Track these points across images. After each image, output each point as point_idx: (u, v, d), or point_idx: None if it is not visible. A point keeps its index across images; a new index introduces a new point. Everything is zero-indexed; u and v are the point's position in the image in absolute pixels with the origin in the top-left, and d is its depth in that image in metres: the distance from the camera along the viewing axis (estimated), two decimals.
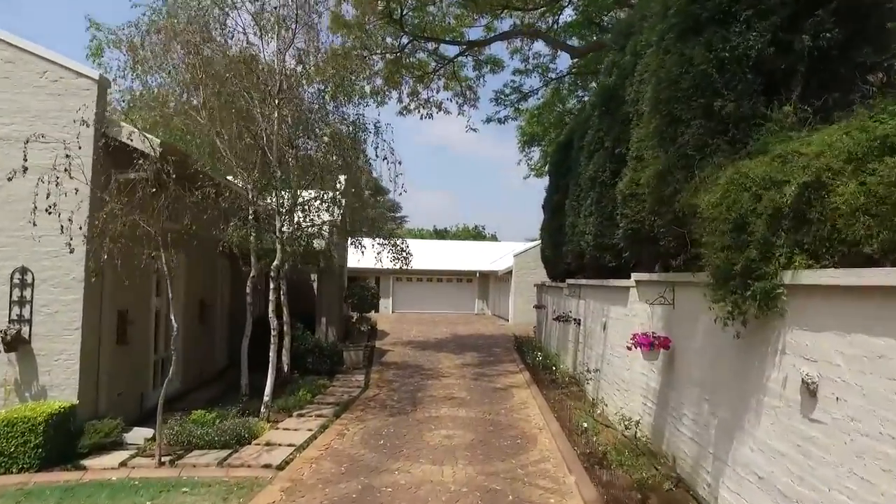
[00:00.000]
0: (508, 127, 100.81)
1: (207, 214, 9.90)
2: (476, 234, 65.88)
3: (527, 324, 30.18)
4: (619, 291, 9.69)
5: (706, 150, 5.87)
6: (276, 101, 10.01)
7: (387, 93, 20.44)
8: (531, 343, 19.54)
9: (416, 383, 13.84)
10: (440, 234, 63.98)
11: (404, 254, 15.16)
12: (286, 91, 10.36)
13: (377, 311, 35.86)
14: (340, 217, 16.13)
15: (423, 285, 37.11)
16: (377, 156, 12.24)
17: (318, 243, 15.36)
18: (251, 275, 10.92)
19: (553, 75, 22.15)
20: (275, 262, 10.14)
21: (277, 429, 9.46)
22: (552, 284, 17.71)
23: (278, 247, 10.14)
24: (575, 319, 13.52)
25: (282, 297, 12.94)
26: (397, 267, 15.44)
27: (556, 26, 19.97)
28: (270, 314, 10.29)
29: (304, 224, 13.56)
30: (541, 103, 23.74)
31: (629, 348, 7.43)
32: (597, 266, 11.57)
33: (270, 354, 10.14)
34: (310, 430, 9.35)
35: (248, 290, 10.97)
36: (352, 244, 17.48)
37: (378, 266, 31.93)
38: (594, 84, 20.32)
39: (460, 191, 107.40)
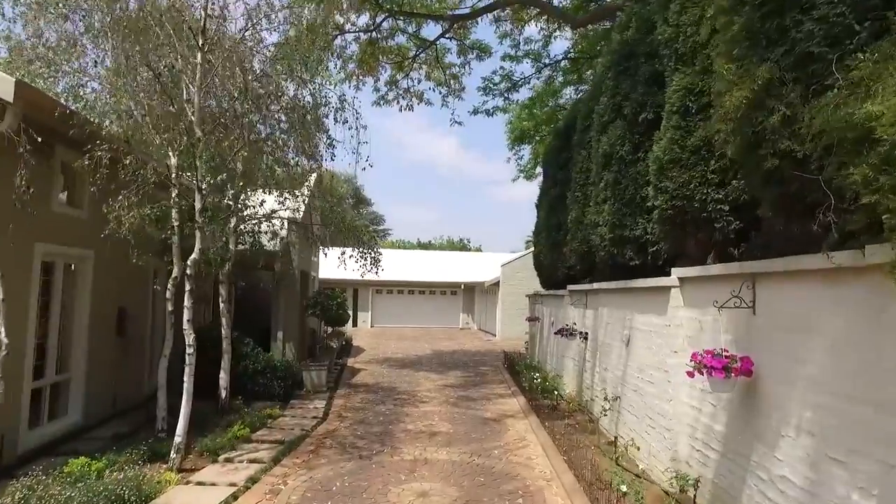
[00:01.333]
0: (494, 144, 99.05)
1: (129, 199, 7.39)
2: (461, 248, 63.45)
3: (516, 339, 27.66)
4: (650, 294, 7.26)
5: (848, 44, 3.48)
6: (199, 42, 7.50)
7: (361, 78, 18.03)
8: (523, 361, 17.03)
9: (389, 411, 11.26)
10: (424, 247, 61.40)
11: (372, 257, 12.61)
12: (214, 35, 7.86)
13: (354, 325, 33.22)
14: (302, 214, 13.63)
15: (404, 298, 34.52)
16: (336, 119, 9.76)
17: (273, 243, 12.84)
18: (172, 275, 8.31)
19: (547, 62, 19.88)
20: (192, 256, 7.54)
21: (188, 482, 6.82)
22: (549, 293, 15.27)
23: (197, 234, 7.56)
24: (581, 333, 11.07)
25: (222, 307, 10.39)
26: (364, 276, 12.95)
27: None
28: (185, 326, 7.66)
29: (248, 215, 11.06)
30: (533, 94, 21.46)
31: (690, 374, 4.95)
32: (612, 265, 9.15)
33: (185, 379, 7.52)
34: (232, 484, 6.73)
35: (168, 294, 8.35)
36: (322, 250, 15.04)
37: (356, 277, 29.35)
38: (593, 70, 18.10)
39: (444, 207, 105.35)
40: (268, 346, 13.34)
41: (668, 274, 6.85)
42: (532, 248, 33.41)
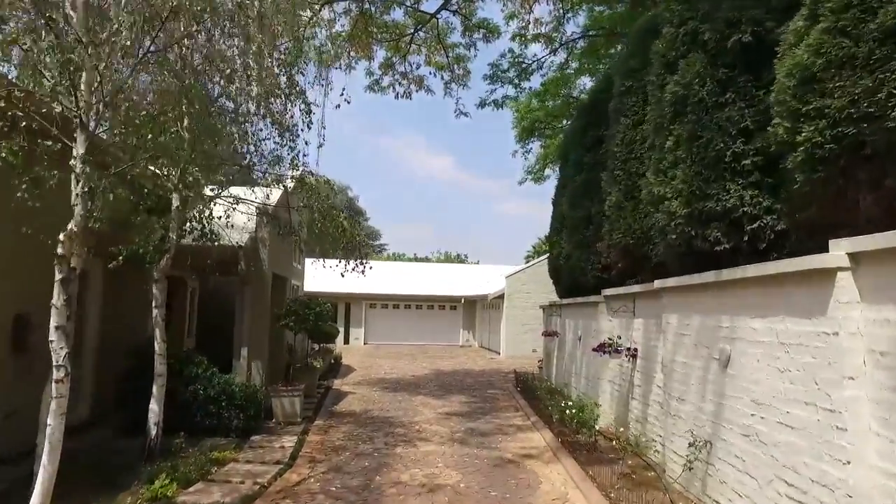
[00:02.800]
0: (489, 163, 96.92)
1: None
2: (459, 262, 60.82)
3: (522, 357, 24.93)
4: (787, 286, 4.59)
5: None
6: None
7: (352, 56, 15.54)
8: (538, 383, 14.35)
9: (377, 452, 8.55)
10: (421, 262, 58.72)
11: (359, 255, 10.06)
12: None
13: (346, 341, 30.46)
14: (277, 206, 11.05)
15: (400, 313, 31.79)
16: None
17: (236, 236, 10.22)
18: (69, 265, 5.62)
19: (561, 42, 17.43)
20: (69, 226, 4.85)
21: None
22: (571, 302, 12.62)
23: (76, 191, 4.87)
24: (628, 350, 8.43)
25: (155, 314, 7.78)
26: (345, 274, 10.36)
27: None
28: (52, 336, 4.96)
29: (202, 197, 8.50)
30: (546, 80, 18.99)
31: None
32: (684, 254, 6.56)
33: (49, 418, 4.79)
34: None
35: (57, 300, 5.63)
36: (304, 256, 12.40)
37: (348, 290, 26.53)
38: (619, 47, 15.65)
39: (440, 226, 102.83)
40: (229, 364, 10.66)
41: (779, 256, 4.28)
42: (539, 259, 30.81)
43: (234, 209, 9.25)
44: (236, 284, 11.00)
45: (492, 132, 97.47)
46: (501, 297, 26.07)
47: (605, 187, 9.71)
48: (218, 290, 14.76)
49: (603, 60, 18.36)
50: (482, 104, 17.70)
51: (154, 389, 7.57)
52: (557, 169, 18.09)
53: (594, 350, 8.99)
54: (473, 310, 31.99)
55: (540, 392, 12.29)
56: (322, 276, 31.93)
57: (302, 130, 9.44)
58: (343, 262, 10.61)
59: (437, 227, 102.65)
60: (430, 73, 17.70)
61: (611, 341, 8.70)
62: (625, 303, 8.79)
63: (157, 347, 7.69)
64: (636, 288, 8.43)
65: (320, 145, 10.26)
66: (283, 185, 10.45)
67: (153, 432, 7.44)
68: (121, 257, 7.37)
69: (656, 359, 7.60)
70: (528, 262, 33.77)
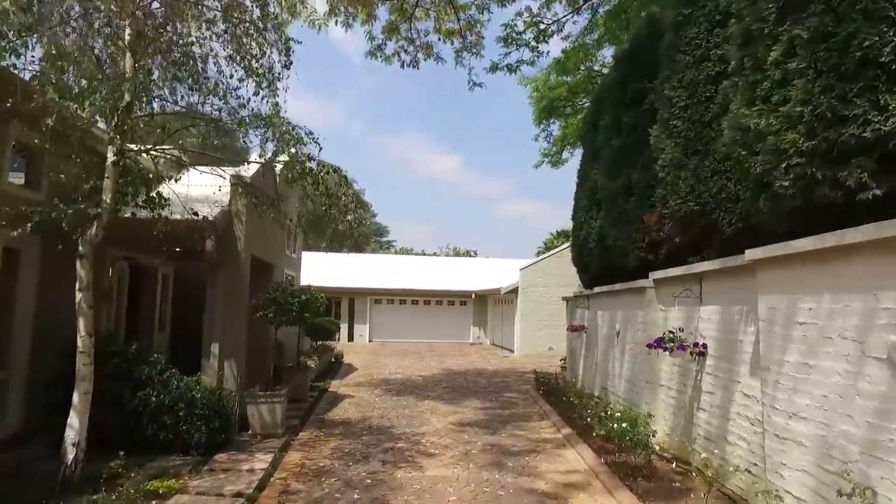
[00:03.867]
0: (495, 162, 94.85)
1: None
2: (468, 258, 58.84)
3: (538, 356, 23.00)
4: None
5: None
6: None
7: (349, 13, 13.62)
8: (565, 386, 12.43)
9: (371, 479, 6.64)
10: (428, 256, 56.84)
11: (352, 216, 8.25)
12: None
13: (350, 339, 28.62)
14: (263, 178, 9.22)
15: (407, 309, 29.87)
16: None
17: (205, 210, 8.39)
18: None
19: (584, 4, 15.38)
20: None
21: None
22: (606, 291, 10.62)
23: None
24: (695, 346, 6.46)
25: (78, 299, 5.93)
26: (332, 244, 8.41)
27: None
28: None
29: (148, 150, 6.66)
30: (566, 50, 16.96)
31: None
32: (800, 208, 4.60)
33: None
34: None
35: None
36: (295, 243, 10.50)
37: (352, 285, 24.74)
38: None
39: (447, 225, 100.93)
40: (198, 363, 8.80)
41: None
42: (557, 249, 28.72)
43: (188, 169, 7.39)
44: (207, 269, 9.12)
45: (501, 130, 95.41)
46: (515, 291, 24.12)
47: (655, 145, 7.73)
48: (199, 280, 12.92)
49: (627, 29, 16.33)
50: (494, 68, 15.69)
51: (74, 398, 5.72)
52: (579, 150, 16.14)
53: (649, 346, 7.01)
54: (484, 305, 30.05)
55: (570, 396, 10.36)
56: (323, 269, 30.13)
57: (280, 79, 7.68)
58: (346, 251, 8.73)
59: (443, 227, 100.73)
60: (440, 40, 15.76)
61: (672, 335, 6.73)
62: (687, 286, 6.82)
63: (79, 343, 5.82)
64: (704, 266, 6.47)
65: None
66: (270, 158, 8.65)
67: (70, 455, 5.59)
68: (29, 224, 5.52)
69: (741, 358, 5.64)
70: (539, 256, 31.57)
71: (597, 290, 11.02)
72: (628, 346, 8.92)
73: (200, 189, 9.96)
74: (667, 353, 6.74)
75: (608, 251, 10.33)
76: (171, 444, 7.22)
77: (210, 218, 8.38)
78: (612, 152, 9.90)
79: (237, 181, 8.82)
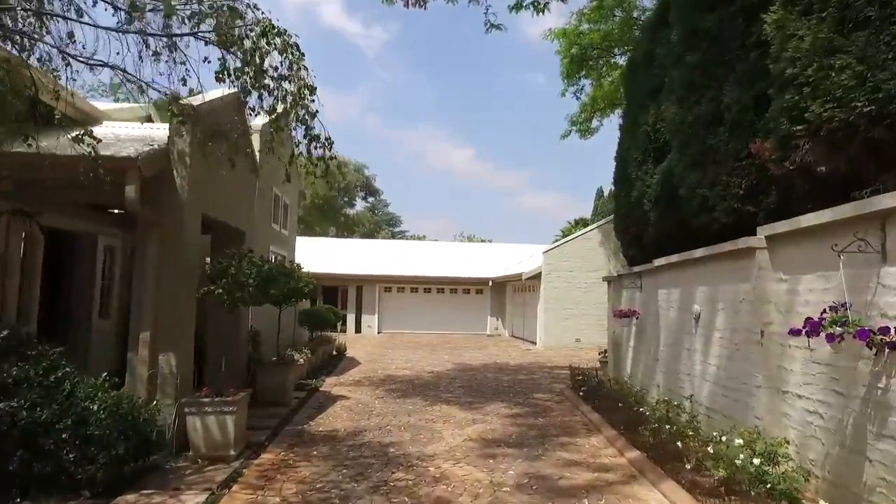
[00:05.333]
0: (513, 150, 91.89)
1: None
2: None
3: (564, 348, 20.39)
4: None
5: None
6: None
7: None
8: (614, 386, 9.88)
9: None
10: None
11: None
12: None
13: (358, 330, 26.13)
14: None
15: (418, 297, 27.32)
16: None
17: (129, 149, 5.90)
18: None
19: None
20: None
21: None
22: (677, 261, 7.90)
23: None
24: (879, 333, 3.85)
25: None
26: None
27: None
28: None
29: None
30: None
31: None
32: None
33: None
34: None
35: None
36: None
37: (360, 272, 22.30)
38: None
39: (460, 217, 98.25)
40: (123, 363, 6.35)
41: None
42: (587, 229, 25.94)
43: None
44: (138, 232, 6.62)
45: (515, 121, 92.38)
46: (538, 276, 21.49)
47: (778, 33, 5.09)
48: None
49: None
50: (517, 7, 13.02)
51: None
52: (608, 121, 13.41)
53: (793, 332, 4.34)
54: (503, 293, 27.43)
55: (626, 402, 7.80)
56: (328, 254, 27.58)
57: None
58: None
59: (458, 219, 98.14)
60: None
61: (836, 314, 4.08)
62: (862, 233, 4.17)
63: None
64: (892, 201, 3.85)
65: None
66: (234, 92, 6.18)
67: None
68: None
69: None
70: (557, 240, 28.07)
71: (658, 262, 8.38)
72: (719, 333, 6.30)
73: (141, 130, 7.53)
74: (824, 342, 4.11)
75: (677, 208, 7.72)
76: (53, 479, 4.78)
77: (132, 156, 5.89)
78: (686, 73, 7.24)
79: (177, 107, 6.29)
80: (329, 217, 45.94)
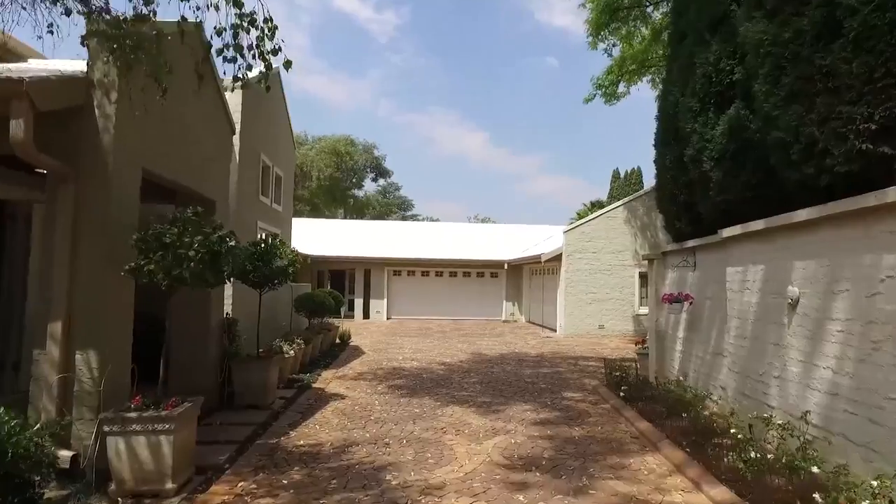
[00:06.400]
0: (526, 135, 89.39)
1: None
2: None
3: (587, 336, 18.66)
4: None
5: None
6: None
7: None
8: (666, 385, 8.18)
9: None
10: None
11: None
12: None
13: (366, 316, 24.48)
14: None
15: (429, 281, 25.62)
16: None
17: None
18: None
19: None
20: None
21: None
22: (754, 231, 6.12)
23: None
24: None
25: None
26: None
27: None
28: None
29: None
30: None
31: None
32: None
33: None
34: None
35: None
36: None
37: (368, 254, 20.63)
38: None
39: (473, 203, 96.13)
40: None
41: None
42: (614, 205, 23.95)
43: None
44: (47, 189, 4.95)
45: (528, 107, 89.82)
46: (558, 258, 19.69)
47: None
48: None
49: None
50: None
51: None
52: (635, 88, 11.49)
53: None
54: (519, 277, 25.65)
55: (691, 411, 6.10)
56: (333, 236, 25.79)
57: None
58: None
59: (471, 203, 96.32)
60: None
61: None
62: None
63: None
64: None
65: None
66: None
67: None
68: None
69: None
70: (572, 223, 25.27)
71: (727, 232, 6.56)
72: (838, 325, 4.52)
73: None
74: None
75: (755, 162, 5.93)
76: None
77: (15, 78, 4.19)
78: None
79: (100, 19, 4.57)
80: (337, 199, 44.23)
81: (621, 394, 8.16)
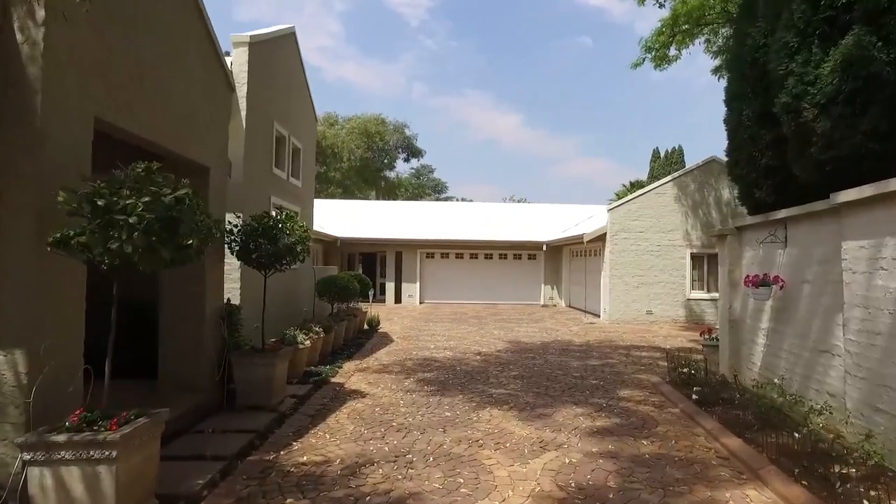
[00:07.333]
0: (561, 116, 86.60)
1: None
2: None
3: (633, 322, 17.12)
4: None
5: None
6: None
7: None
8: (736, 382, 6.72)
9: None
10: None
11: None
12: None
13: (398, 300, 23.36)
14: None
15: (464, 264, 24.29)
16: None
17: None
18: None
19: None
20: None
21: None
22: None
23: None
24: None
25: None
26: None
27: None
28: None
29: None
30: None
31: None
32: None
33: None
34: None
35: None
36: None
37: (399, 236, 19.47)
38: None
39: (511, 183, 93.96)
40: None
41: None
42: (665, 179, 21.97)
43: None
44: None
45: (563, 88, 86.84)
46: (602, 238, 18.11)
47: None
48: None
49: None
50: None
51: None
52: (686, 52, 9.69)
53: None
54: (558, 259, 24.09)
55: (778, 416, 4.66)
56: (363, 217, 24.57)
57: None
58: None
59: (506, 186, 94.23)
60: None
61: None
62: None
63: None
64: None
65: None
66: None
67: None
68: None
69: None
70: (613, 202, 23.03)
71: (847, 196, 5.01)
72: None
73: None
74: None
75: (891, 98, 4.41)
76: None
77: None
78: None
79: None
80: (369, 181, 43.11)
81: (693, 396, 6.72)
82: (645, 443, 5.47)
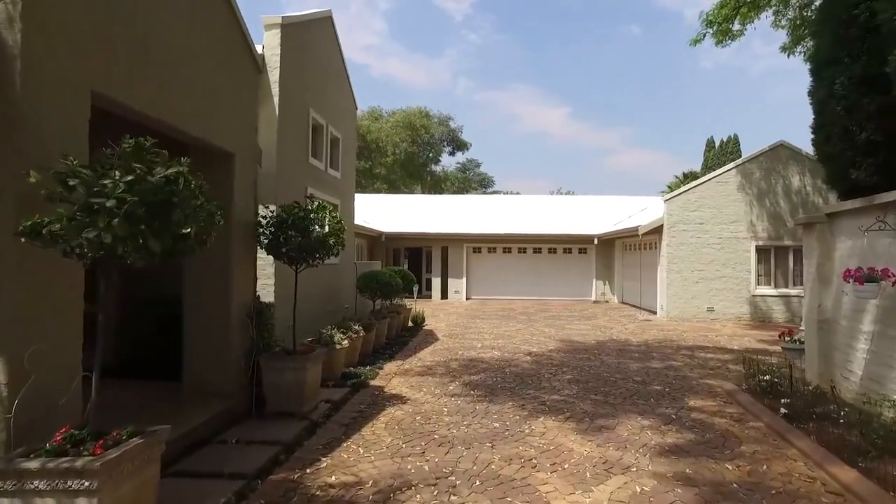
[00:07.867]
0: (610, 108, 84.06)
1: None
2: None
3: (693, 320, 15.95)
4: None
5: None
6: None
7: None
8: (830, 395, 5.73)
9: None
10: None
11: None
12: None
13: (444, 296, 22.77)
14: None
15: (512, 259, 23.40)
16: None
17: None
18: None
19: None
20: None
21: None
22: None
23: None
24: None
25: None
26: None
27: None
28: None
29: None
30: None
31: None
32: None
33: None
34: None
35: None
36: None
37: (445, 230, 18.77)
38: None
39: (559, 176, 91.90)
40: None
41: None
42: (729, 166, 20.56)
43: None
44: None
45: (610, 79, 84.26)
46: (658, 230, 16.96)
47: None
48: None
49: None
50: None
51: None
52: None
53: None
54: (610, 253, 22.90)
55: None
56: (409, 212, 23.99)
57: None
58: None
59: (554, 180, 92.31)
60: None
61: None
62: None
63: None
64: None
65: None
66: None
67: None
68: None
69: None
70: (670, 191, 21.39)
71: None
72: None
73: None
74: None
75: None
76: None
77: None
78: None
79: None
80: (414, 175, 42.62)
81: (782, 410, 5.77)
82: (729, 466, 4.60)
